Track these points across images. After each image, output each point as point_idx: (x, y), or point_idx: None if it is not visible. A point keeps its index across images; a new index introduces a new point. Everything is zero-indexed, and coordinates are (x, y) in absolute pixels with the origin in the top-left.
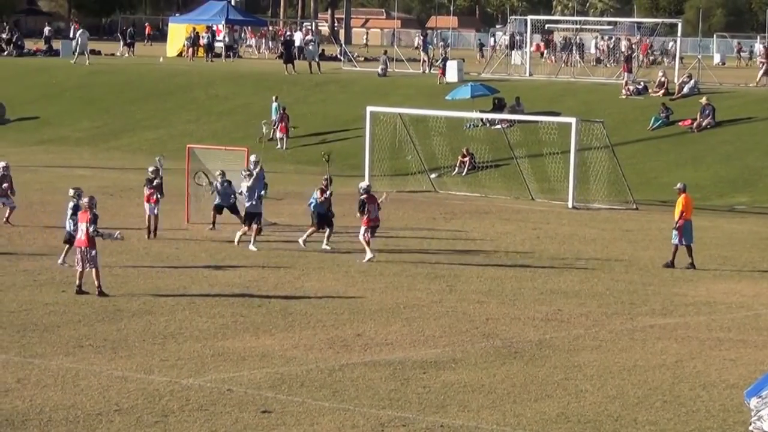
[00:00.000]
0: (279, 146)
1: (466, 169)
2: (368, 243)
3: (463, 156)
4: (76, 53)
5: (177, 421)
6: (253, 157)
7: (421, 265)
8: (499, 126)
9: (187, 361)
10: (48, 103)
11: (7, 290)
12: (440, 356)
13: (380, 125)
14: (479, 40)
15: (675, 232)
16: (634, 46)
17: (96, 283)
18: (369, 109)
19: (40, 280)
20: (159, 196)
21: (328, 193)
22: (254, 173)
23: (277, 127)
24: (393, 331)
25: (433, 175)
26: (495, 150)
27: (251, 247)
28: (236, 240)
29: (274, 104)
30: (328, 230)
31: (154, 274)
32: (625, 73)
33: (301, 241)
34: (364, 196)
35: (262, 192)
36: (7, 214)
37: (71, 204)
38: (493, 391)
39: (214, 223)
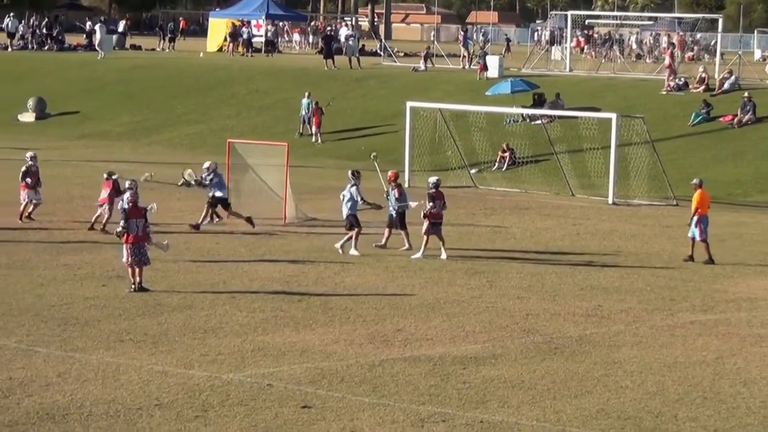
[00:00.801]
0: (315, 140)
1: (506, 165)
2: (426, 242)
3: (503, 151)
4: (101, 48)
5: (217, 415)
6: (206, 164)
7: (461, 260)
8: (539, 121)
9: (228, 356)
10: (89, 97)
11: (48, 284)
12: (480, 352)
13: (420, 120)
14: (506, 35)
15: (692, 227)
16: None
17: (137, 278)
18: (409, 104)
19: (81, 274)
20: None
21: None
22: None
23: (311, 122)
24: (433, 326)
25: (473, 171)
26: (535, 145)
27: (353, 251)
28: (339, 245)
29: (305, 100)
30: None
31: (194, 268)
32: (668, 71)
33: (377, 245)
34: (433, 190)
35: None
36: (30, 210)
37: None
38: (533, 387)
39: (214, 215)
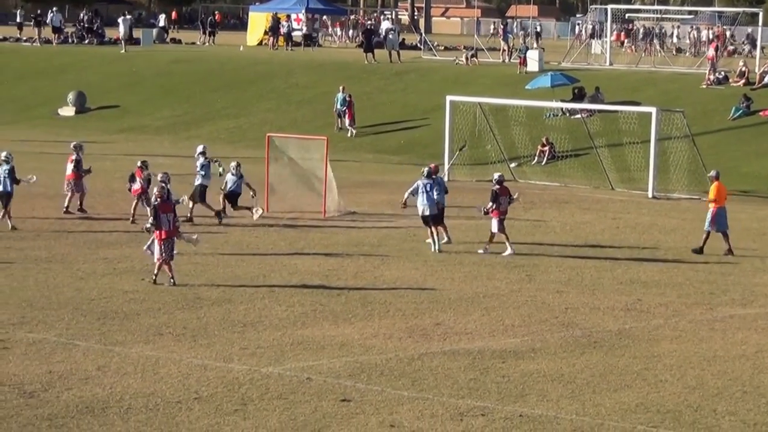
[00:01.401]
0: (349, 135)
1: (545, 159)
2: (507, 237)
3: (543, 145)
4: (123, 41)
5: (256, 409)
6: (199, 148)
7: (499, 255)
8: (579, 115)
9: (267, 350)
10: (128, 91)
11: (88, 278)
12: (519, 346)
13: (460, 114)
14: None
15: (708, 219)
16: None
17: (170, 274)
18: (449, 98)
19: (120, 268)
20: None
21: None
22: None
23: (345, 115)
24: (472, 320)
25: (512, 165)
26: (575, 139)
27: (434, 248)
28: (435, 245)
29: (340, 95)
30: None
31: (233, 262)
32: (710, 63)
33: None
34: (497, 187)
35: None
36: (78, 202)
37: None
38: (573, 381)
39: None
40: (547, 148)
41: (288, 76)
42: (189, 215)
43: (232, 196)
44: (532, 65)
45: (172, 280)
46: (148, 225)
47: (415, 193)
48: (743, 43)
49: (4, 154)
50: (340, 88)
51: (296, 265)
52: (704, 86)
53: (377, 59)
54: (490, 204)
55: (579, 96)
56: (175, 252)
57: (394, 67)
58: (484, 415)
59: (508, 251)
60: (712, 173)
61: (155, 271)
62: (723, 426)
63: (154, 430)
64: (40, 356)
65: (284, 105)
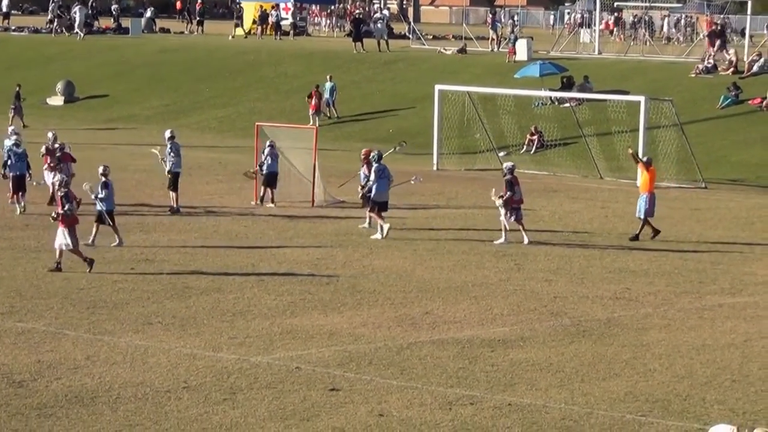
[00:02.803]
0: (312, 122)
1: (534, 148)
2: (516, 226)
3: (532, 134)
4: (79, 30)
5: (245, 398)
6: (167, 133)
7: (489, 243)
8: (567, 104)
9: (256, 339)
10: (117, 81)
11: (77, 267)
12: (508, 335)
13: (449, 103)
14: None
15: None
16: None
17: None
18: (438, 87)
19: (109, 257)
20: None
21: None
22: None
23: (334, 105)
24: (461, 309)
25: (501, 154)
26: (563, 128)
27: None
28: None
29: (328, 83)
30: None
31: (222, 251)
32: (711, 49)
33: None
34: (509, 176)
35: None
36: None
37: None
38: (562, 370)
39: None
40: (535, 137)
41: (277, 65)
42: (175, 206)
43: (270, 177)
44: (521, 54)
45: (87, 266)
46: (66, 210)
47: (370, 179)
48: (731, 32)
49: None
50: (328, 77)
51: (285, 254)
52: (693, 75)
53: (366, 49)
54: (507, 193)
55: (568, 85)
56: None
57: (383, 56)
58: (473, 404)
59: (526, 240)
60: (645, 159)
61: (59, 259)
62: (712, 415)
63: (143, 420)
64: (29, 346)
65: (273, 94)
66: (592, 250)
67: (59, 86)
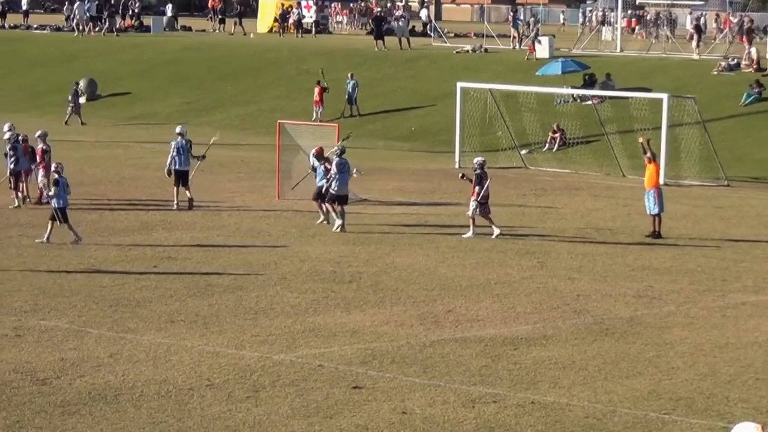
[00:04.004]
0: (314, 117)
1: (556, 145)
2: (474, 220)
3: (554, 132)
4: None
5: (268, 396)
6: (178, 129)
7: (512, 241)
8: (589, 102)
9: (279, 337)
10: (139, 79)
11: (100, 265)
12: (531, 333)
13: (470, 101)
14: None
15: (653, 200)
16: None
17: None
18: (459, 84)
19: (132, 255)
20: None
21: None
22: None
23: (356, 102)
24: (484, 307)
25: (523, 152)
26: (586, 126)
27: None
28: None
29: (351, 81)
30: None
31: (245, 249)
32: (747, 45)
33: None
34: (480, 170)
35: None
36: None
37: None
38: (585, 368)
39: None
40: (557, 134)
41: (298, 63)
42: (190, 198)
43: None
44: (542, 52)
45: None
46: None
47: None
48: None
49: (178, 128)
50: (349, 74)
51: (307, 252)
52: (715, 72)
53: (387, 46)
54: (477, 188)
55: (590, 82)
56: None
57: (404, 53)
58: (496, 402)
59: (496, 232)
60: (649, 154)
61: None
62: (736, 413)
63: (167, 417)
64: (53, 343)
65: (295, 92)
66: (614, 247)
67: (82, 84)
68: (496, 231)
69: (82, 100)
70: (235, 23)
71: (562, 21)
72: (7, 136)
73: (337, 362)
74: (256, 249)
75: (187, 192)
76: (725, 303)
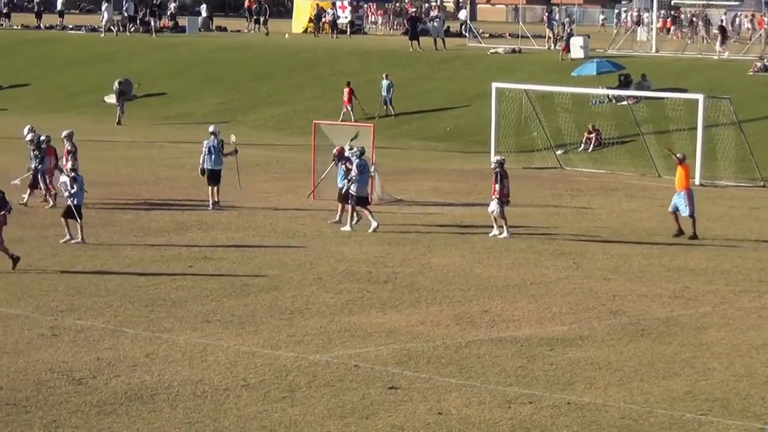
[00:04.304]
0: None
1: (592, 146)
2: (496, 219)
3: (589, 132)
4: (104, 28)
5: (304, 396)
6: (211, 128)
7: (548, 241)
8: (625, 102)
9: (314, 337)
10: (174, 79)
11: (136, 265)
12: (567, 333)
13: (506, 102)
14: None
15: (684, 202)
16: None
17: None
18: (494, 85)
19: (168, 255)
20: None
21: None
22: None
23: (391, 102)
24: (519, 307)
25: (558, 152)
26: (621, 126)
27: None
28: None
29: (385, 81)
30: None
31: (280, 250)
32: None
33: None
34: (499, 169)
35: None
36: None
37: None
38: (621, 369)
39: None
40: (593, 135)
41: (333, 63)
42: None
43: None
44: (578, 52)
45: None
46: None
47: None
48: None
49: (211, 127)
50: (384, 75)
51: (343, 253)
52: (751, 73)
53: (422, 47)
54: (497, 186)
55: (625, 83)
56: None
57: (439, 54)
58: (532, 403)
59: (503, 234)
60: (679, 155)
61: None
62: None
63: (203, 417)
64: (89, 343)
65: (329, 92)
66: (650, 248)
67: (116, 85)
68: (503, 232)
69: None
70: (257, 21)
71: (600, 21)
72: (29, 137)
73: (372, 362)
74: (292, 249)
75: (216, 192)
76: (761, 304)
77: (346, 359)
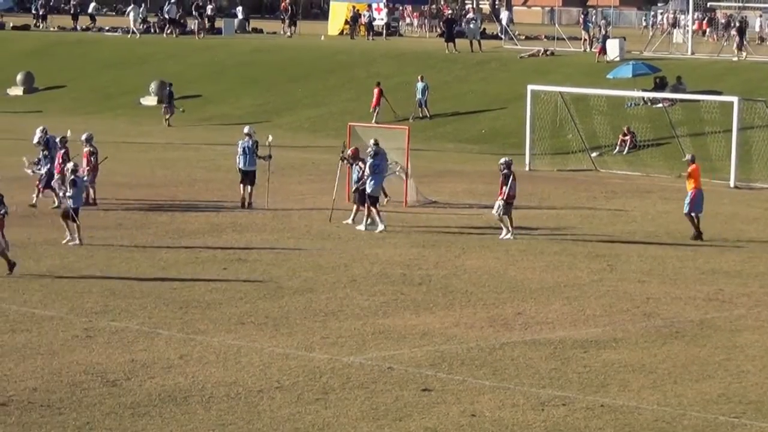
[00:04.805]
0: (373, 120)
1: (627, 148)
2: (502, 221)
3: (624, 135)
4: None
5: (338, 398)
6: (246, 129)
7: (582, 243)
8: (660, 105)
9: (348, 339)
10: (210, 81)
11: (170, 267)
12: (601, 336)
13: (541, 104)
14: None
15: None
16: None
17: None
18: (530, 87)
19: (202, 257)
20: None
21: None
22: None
23: (426, 104)
24: (553, 310)
25: (593, 154)
26: (656, 129)
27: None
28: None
29: (420, 84)
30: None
31: (315, 251)
32: None
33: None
34: (507, 170)
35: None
36: (93, 193)
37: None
38: (654, 371)
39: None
40: (628, 137)
41: (369, 65)
42: (249, 200)
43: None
44: (613, 54)
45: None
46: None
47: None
48: None
49: (246, 128)
50: (419, 77)
51: (377, 255)
52: None
53: (458, 49)
54: (504, 188)
55: (660, 85)
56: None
57: (475, 56)
58: (565, 405)
59: (507, 235)
60: (688, 156)
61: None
62: None
63: (236, 419)
64: (123, 345)
65: (365, 95)
66: (685, 250)
67: (153, 86)
68: (507, 234)
69: (152, 102)
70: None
71: (644, 23)
72: (36, 139)
73: (406, 364)
74: (326, 251)
75: (249, 193)
76: None
77: (379, 361)
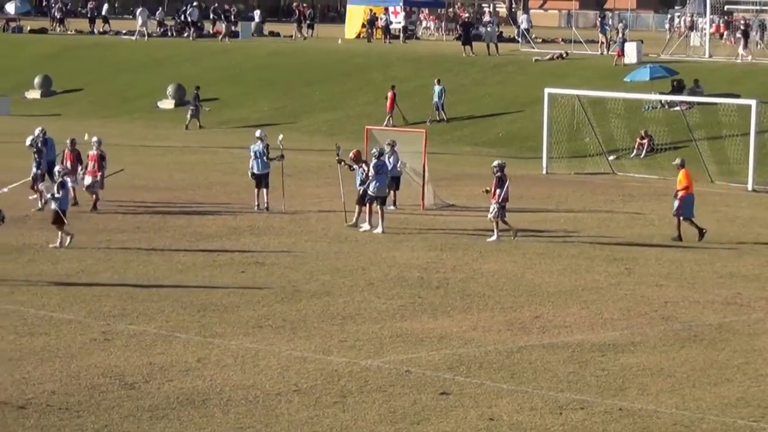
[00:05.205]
0: (386, 123)
1: (644, 151)
2: (497, 224)
3: (642, 138)
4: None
5: (355, 402)
6: (258, 132)
7: (600, 247)
8: (678, 108)
9: (366, 342)
10: (227, 84)
11: (188, 270)
12: (619, 339)
13: (558, 107)
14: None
15: (676, 203)
16: None
17: None
18: (547, 90)
19: (220, 260)
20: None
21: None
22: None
23: (443, 108)
24: (571, 313)
25: (611, 157)
26: (674, 132)
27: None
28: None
29: (437, 87)
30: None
31: (332, 255)
32: None
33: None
34: (500, 173)
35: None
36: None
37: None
38: (673, 375)
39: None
40: (645, 140)
41: (386, 69)
42: (265, 203)
43: (394, 181)
44: (631, 57)
45: None
46: None
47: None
48: None
49: (258, 132)
50: (436, 80)
51: (395, 258)
52: None
53: (475, 52)
54: (498, 191)
55: (678, 88)
56: None
57: (492, 59)
58: (584, 409)
59: (494, 237)
60: (678, 161)
61: None
62: None
63: (254, 422)
64: (141, 348)
65: (382, 98)
66: (703, 254)
67: (170, 90)
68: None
69: (169, 105)
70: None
71: (666, 26)
72: (28, 141)
73: (424, 368)
74: (344, 254)
75: (265, 196)
76: None
77: (397, 364)
